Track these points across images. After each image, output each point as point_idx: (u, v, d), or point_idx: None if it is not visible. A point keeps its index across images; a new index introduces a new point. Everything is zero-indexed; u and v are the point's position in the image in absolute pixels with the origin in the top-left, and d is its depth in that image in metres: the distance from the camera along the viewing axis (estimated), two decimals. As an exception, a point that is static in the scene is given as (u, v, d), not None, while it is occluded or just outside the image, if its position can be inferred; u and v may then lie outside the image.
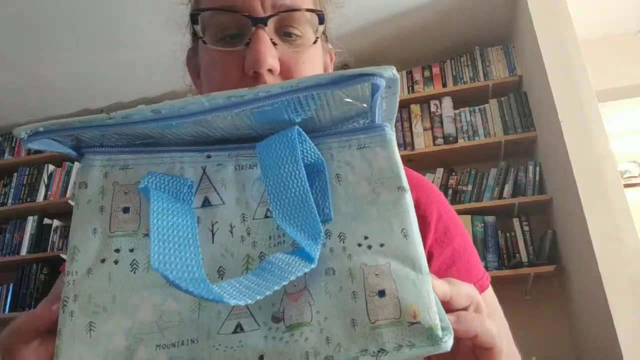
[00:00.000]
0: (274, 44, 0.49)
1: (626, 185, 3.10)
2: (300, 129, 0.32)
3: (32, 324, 0.32)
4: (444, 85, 2.55)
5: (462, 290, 0.33)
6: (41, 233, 2.86)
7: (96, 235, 0.31)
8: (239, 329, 0.29)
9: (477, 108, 2.46)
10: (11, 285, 2.78)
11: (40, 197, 2.87)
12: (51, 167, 2.96)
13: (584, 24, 2.30)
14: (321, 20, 0.53)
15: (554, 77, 2.01)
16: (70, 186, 2.86)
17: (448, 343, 0.28)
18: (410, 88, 2.59)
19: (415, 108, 2.54)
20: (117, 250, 0.31)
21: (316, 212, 0.30)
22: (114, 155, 0.33)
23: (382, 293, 0.29)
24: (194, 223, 0.30)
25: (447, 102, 2.49)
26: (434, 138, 2.45)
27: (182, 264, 0.26)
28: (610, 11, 2.54)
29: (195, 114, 0.31)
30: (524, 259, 2.19)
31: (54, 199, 2.84)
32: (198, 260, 0.27)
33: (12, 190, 2.95)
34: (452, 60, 2.59)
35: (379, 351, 0.28)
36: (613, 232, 1.74)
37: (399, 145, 2.44)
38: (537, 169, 2.27)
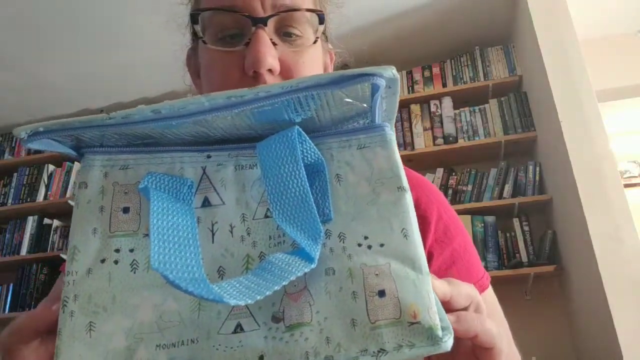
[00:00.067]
0: (274, 44, 0.49)
1: (626, 185, 3.11)
2: (300, 129, 0.32)
3: (32, 324, 0.32)
4: (444, 85, 2.55)
5: (462, 290, 0.32)
6: (41, 233, 2.86)
7: (96, 235, 0.31)
8: (239, 329, 0.29)
9: (477, 108, 2.46)
10: (11, 285, 2.78)
11: (40, 197, 2.87)
12: (51, 167, 2.96)
13: (584, 24, 2.30)
14: (321, 20, 0.53)
15: (554, 77, 2.01)
16: (70, 186, 2.86)
17: (448, 343, 0.28)
18: (410, 88, 2.59)
19: (415, 108, 2.54)
20: (117, 250, 0.31)
21: (316, 212, 0.30)
22: (114, 155, 0.33)
23: (382, 293, 0.29)
24: (194, 223, 0.30)
25: (447, 102, 2.49)
26: (434, 138, 2.45)
27: (182, 264, 0.26)
28: (610, 11, 2.54)
29: (195, 114, 0.31)
30: (524, 259, 2.19)
31: (54, 199, 2.84)
32: (198, 261, 0.27)
33: (12, 190, 2.95)
34: (452, 60, 2.59)
35: (379, 351, 0.28)
36: (613, 232, 1.74)
37: (399, 145, 2.44)
38: (537, 169, 2.27)
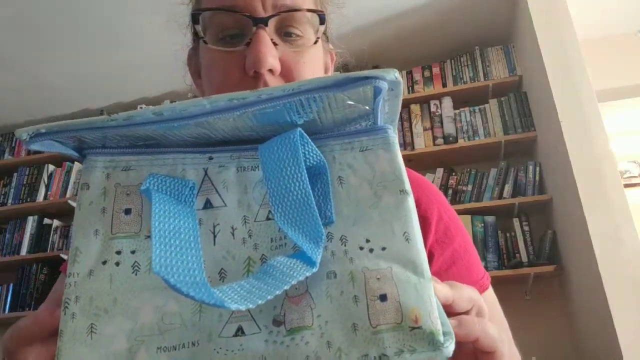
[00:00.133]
0: (275, 44, 0.49)
1: (626, 185, 3.11)
2: (303, 131, 0.32)
3: (35, 328, 0.32)
4: (444, 85, 2.55)
5: (464, 294, 0.32)
6: (41, 233, 2.86)
7: (98, 237, 0.31)
8: (240, 332, 0.29)
9: (477, 108, 2.46)
10: (11, 285, 2.78)
11: (40, 197, 2.87)
12: (51, 167, 2.96)
13: (584, 24, 2.30)
14: (322, 21, 0.53)
15: (554, 77, 2.01)
16: (70, 186, 2.86)
17: (450, 348, 0.28)
18: (410, 88, 2.59)
19: (415, 108, 2.54)
20: (119, 252, 0.31)
21: (318, 214, 0.30)
22: (116, 156, 0.33)
23: (383, 297, 0.29)
24: (195, 225, 0.30)
25: (447, 102, 2.49)
26: (434, 138, 2.45)
27: (184, 267, 0.26)
28: (610, 11, 2.54)
29: (197, 116, 0.30)
30: (524, 259, 2.19)
31: (54, 199, 2.84)
32: (200, 264, 0.27)
33: (12, 190, 2.95)
34: (452, 60, 2.59)
35: (380, 356, 0.27)
36: (613, 232, 1.74)
37: (399, 146, 2.44)
38: (537, 169, 2.27)
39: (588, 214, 1.77)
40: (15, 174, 2.99)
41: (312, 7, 0.52)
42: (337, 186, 0.33)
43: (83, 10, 2.21)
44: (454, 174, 2.43)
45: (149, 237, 0.31)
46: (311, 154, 0.32)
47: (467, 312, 0.33)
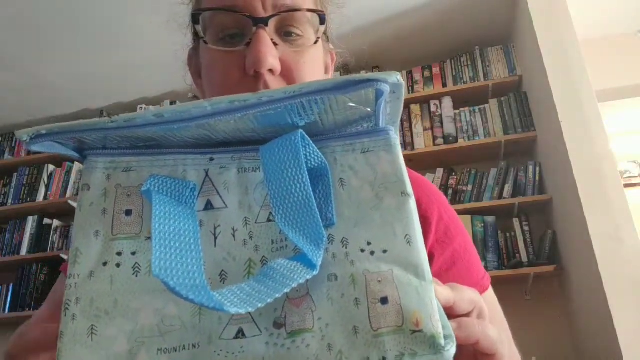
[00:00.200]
0: (275, 44, 0.49)
1: (626, 185, 3.11)
2: (304, 133, 0.32)
3: (43, 340, 0.32)
4: (444, 85, 2.55)
5: (465, 296, 0.32)
6: (41, 233, 2.86)
7: (98, 238, 0.31)
8: (240, 334, 0.29)
9: (477, 108, 2.46)
10: (11, 285, 2.78)
11: (40, 197, 2.87)
12: (51, 167, 2.96)
13: (584, 24, 2.30)
14: (322, 21, 0.53)
15: (554, 77, 2.01)
16: (70, 186, 2.86)
17: (451, 352, 0.28)
18: (410, 88, 2.59)
19: (415, 108, 2.54)
20: (119, 254, 0.31)
21: (319, 217, 0.30)
22: (117, 157, 0.33)
23: (384, 300, 0.28)
24: (196, 227, 0.29)
25: (447, 102, 2.50)
26: (434, 138, 2.45)
27: (184, 270, 0.26)
28: (610, 11, 2.54)
29: (197, 118, 0.30)
30: (524, 259, 2.20)
31: (54, 199, 2.84)
32: (200, 267, 0.27)
33: (12, 190, 2.95)
34: (452, 60, 2.59)
35: (381, 359, 0.27)
36: (613, 232, 1.74)
37: (399, 145, 2.44)
38: (537, 169, 2.27)
39: (588, 214, 1.77)
40: (15, 174, 2.99)
41: (312, 7, 0.52)
42: (338, 188, 0.33)
43: (83, 10, 2.21)
44: (454, 174, 2.43)
45: (149, 238, 0.31)
46: (312, 156, 0.32)
47: (468, 314, 0.33)
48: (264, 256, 0.31)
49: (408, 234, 0.31)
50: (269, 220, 0.32)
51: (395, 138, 0.34)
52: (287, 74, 0.50)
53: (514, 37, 2.50)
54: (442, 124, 2.47)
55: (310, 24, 0.52)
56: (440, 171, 2.45)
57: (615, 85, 2.64)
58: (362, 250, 0.31)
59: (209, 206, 0.32)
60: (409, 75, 2.63)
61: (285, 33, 0.51)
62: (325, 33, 0.57)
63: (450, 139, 2.42)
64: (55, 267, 2.80)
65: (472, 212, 2.28)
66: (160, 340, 0.29)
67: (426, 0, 2.30)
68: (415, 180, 0.55)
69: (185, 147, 0.34)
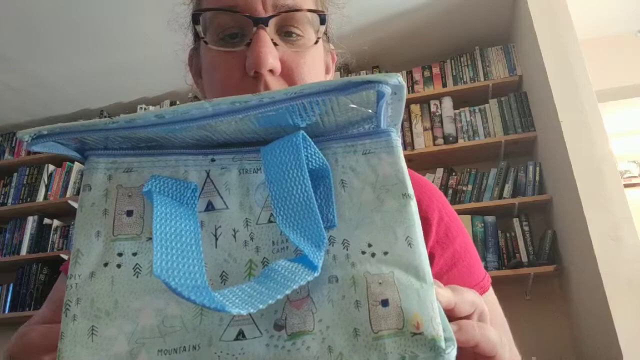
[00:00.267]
0: (275, 44, 0.49)
1: (626, 185, 3.10)
2: (305, 134, 0.32)
3: (45, 343, 0.32)
4: (444, 85, 2.55)
5: (466, 298, 0.32)
6: (41, 233, 2.86)
7: (99, 239, 0.31)
8: (240, 336, 0.29)
9: (477, 108, 2.46)
10: (11, 285, 2.78)
11: (40, 197, 2.87)
12: (51, 167, 2.95)
13: (584, 24, 2.30)
14: (322, 21, 0.53)
15: (554, 77, 2.01)
16: (70, 186, 2.86)
17: (451, 354, 0.27)
18: (410, 88, 2.59)
19: (415, 108, 2.54)
20: (120, 254, 0.30)
21: (320, 218, 0.30)
22: (118, 158, 0.33)
23: (385, 302, 0.28)
24: (197, 228, 0.29)
25: (447, 102, 2.50)
26: (434, 138, 2.45)
27: (185, 271, 0.26)
28: (610, 11, 2.54)
29: (198, 119, 0.30)
30: (524, 259, 2.19)
31: (54, 199, 2.84)
32: (201, 267, 0.26)
33: (12, 190, 2.95)
34: (452, 60, 2.59)
35: None
36: (613, 232, 1.74)
37: (399, 145, 2.44)
38: (537, 169, 2.27)
39: (588, 214, 1.77)
40: (15, 174, 2.99)
41: (312, 7, 0.52)
42: (339, 189, 0.33)
43: (83, 11, 2.21)
44: (454, 174, 2.43)
45: (150, 239, 0.31)
46: (314, 157, 0.32)
47: (468, 317, 0.33)
48: (264, 257, 0.31)
49: (409, 236, 0.31)
50: (269, 222, 0.32)
51: (397, 139, 0.34)
52: (287, 74, 0.50)
53: (514, 37, 2.50)
54: (442, 124, 2.47)
55: (311, 24, 0.52)
56: (440, 171, 2.45)
57: (615, 85, 2.64)
58: (363, 252, 0.30)
59: (210, 207, 0.32)
60: (409, 75, 2.63)
61: (285, 33, 0.51)
62: (325, 33, 0.57)
63: (450, 139, 2.42)
64: (55, 267, 2.80)
65: (472, 212, 2.28)
66: (160, 341, 0.29)
67: (426, 0, 2.30)
68: (416, 181, 0.55)
69: (187, 148, 0.34)
